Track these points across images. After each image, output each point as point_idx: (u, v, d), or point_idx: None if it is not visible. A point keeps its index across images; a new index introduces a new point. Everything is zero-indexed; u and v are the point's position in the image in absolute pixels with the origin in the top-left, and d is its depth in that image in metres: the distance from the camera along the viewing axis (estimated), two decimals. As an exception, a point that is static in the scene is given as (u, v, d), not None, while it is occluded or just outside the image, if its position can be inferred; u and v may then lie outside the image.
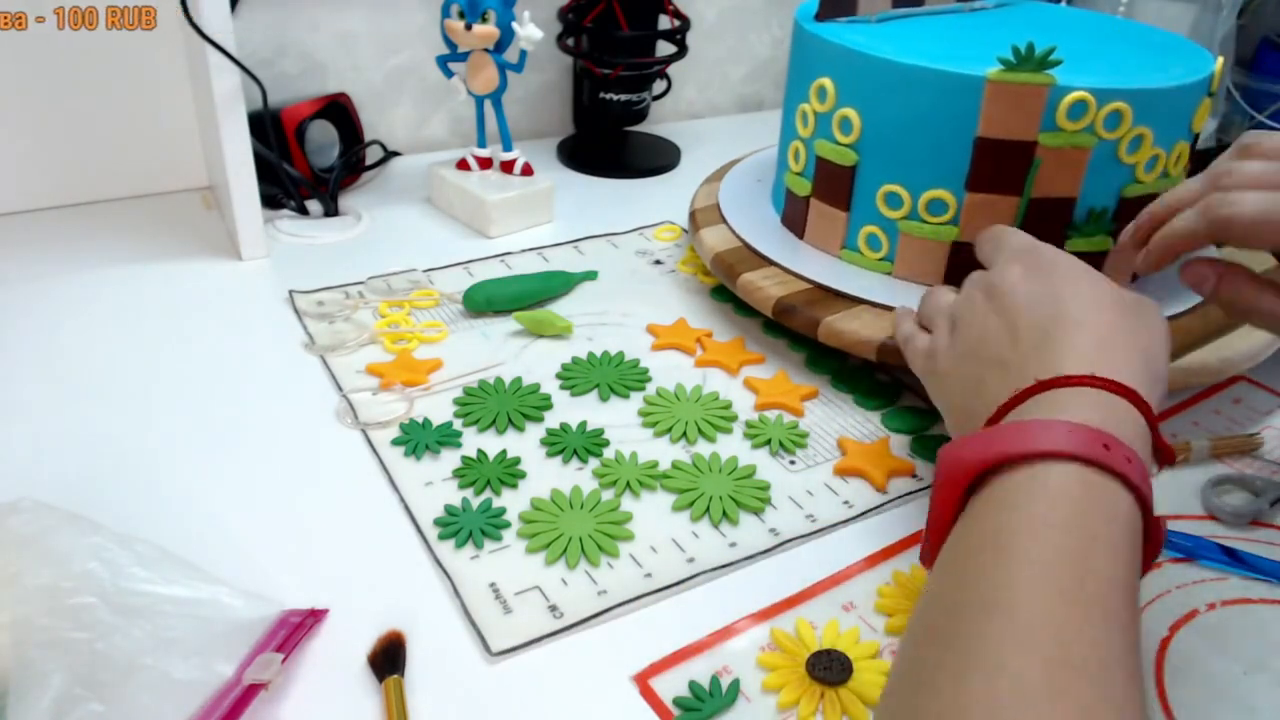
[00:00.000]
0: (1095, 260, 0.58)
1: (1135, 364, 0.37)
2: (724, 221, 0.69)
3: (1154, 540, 0.33)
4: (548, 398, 0.56)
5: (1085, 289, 0.41)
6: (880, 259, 0.62)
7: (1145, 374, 0.37)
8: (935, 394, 0.46)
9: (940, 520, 0.35)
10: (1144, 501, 0.32)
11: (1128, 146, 0.56)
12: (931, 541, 0.36)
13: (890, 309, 0.58)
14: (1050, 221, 0.57)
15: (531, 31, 0.69)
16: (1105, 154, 0.56)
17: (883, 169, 0.60)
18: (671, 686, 0.39)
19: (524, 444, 0.53)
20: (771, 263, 0.63)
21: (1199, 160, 0.66)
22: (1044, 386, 0.36)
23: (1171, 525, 0.49)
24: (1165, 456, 0.37)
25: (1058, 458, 0.32)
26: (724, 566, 0.45)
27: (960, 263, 0.59)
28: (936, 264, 0.60)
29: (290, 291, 0.65)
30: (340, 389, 0.56)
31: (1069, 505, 0.31)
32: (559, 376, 0.58)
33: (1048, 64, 0.53)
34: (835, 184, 0.62)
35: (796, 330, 0.59)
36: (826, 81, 0.61)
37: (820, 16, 0.64)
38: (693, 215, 0.71)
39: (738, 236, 0.67)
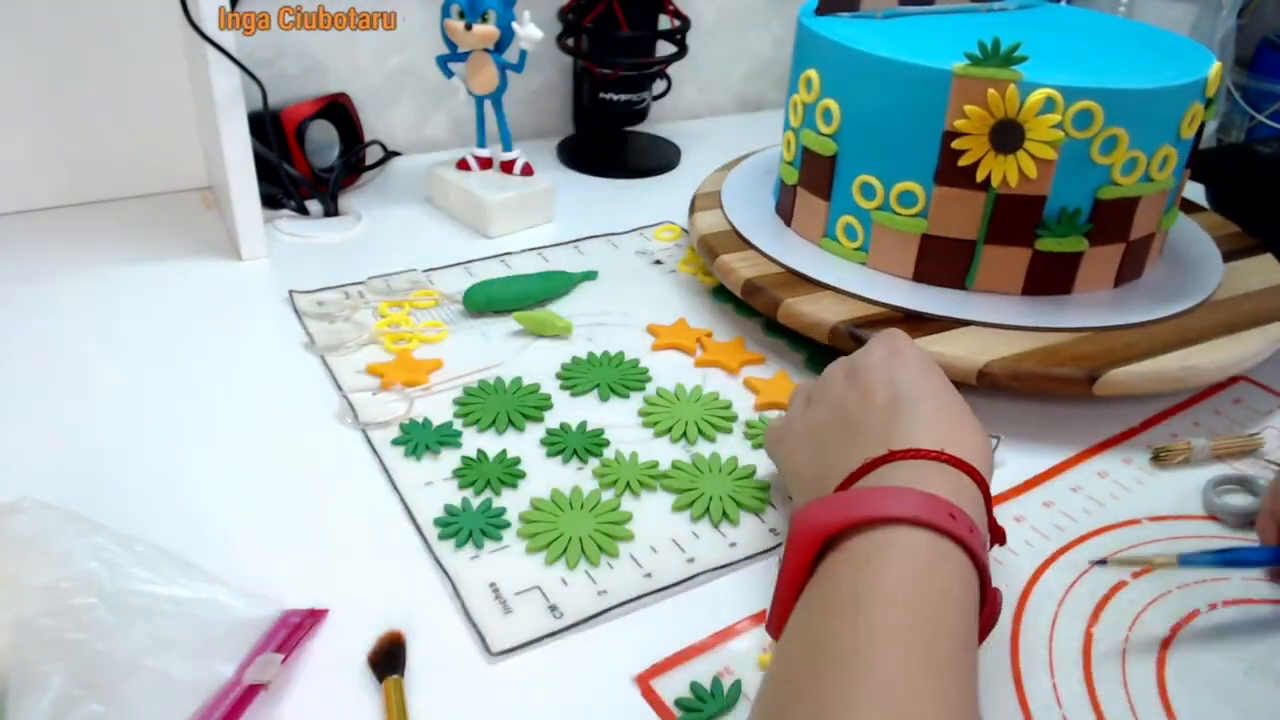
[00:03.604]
0: (1067, 261, 0.59)
1: (978, 446, 0.39)
2: (720, 208, 0.71)
3: (990, 608, 0.35)
4: (548, 398, 0.56)
5: (936, 377, 0.43)
6: (856, 249, 0.63)
7: (983, 458, 0.39)
8: (785, 461, 0.46)
9: (790, 582, 0.36)
10: (982, 570, 0.34)
11: (1100, 147, 0.55)
12: (777, 609, 0.36)
13: (858, 296, 0.59)
14: (1020, 219, 0.57)
15: (531, 31, 0.69)
16: (1076, 153, 0.55)
17: (859, 159, 0.61)
18: (673, 687, 0.39)
19: (524, 444, 0.53)
20: (752, 247, 0.65)
21: (1199, 160, 0.66)
22: (895, 456, 0.38)
23: (1172, 525, 0.49)
24: (996, 536, 0.39)
25: (908, 523, 0.34)
26: (724, 566, 0.45)
27: (929, 256, 0.60)
28: (907, 256, 0.61)
29: (290, 291, 0.65)
30: (340, 389, 0.56)
31: (919, 569, 0.33)
32: (559, 376, 0.58)
33: (1013, 60, 0.53)
34: (817, 173, 0.64)
35: (760, 310, 0.61)
36: (812, 73, 0.62)
37: (820, 10, 0.64)
38: (694, 201, 0.72)
39: (729, 221, 0.68)
